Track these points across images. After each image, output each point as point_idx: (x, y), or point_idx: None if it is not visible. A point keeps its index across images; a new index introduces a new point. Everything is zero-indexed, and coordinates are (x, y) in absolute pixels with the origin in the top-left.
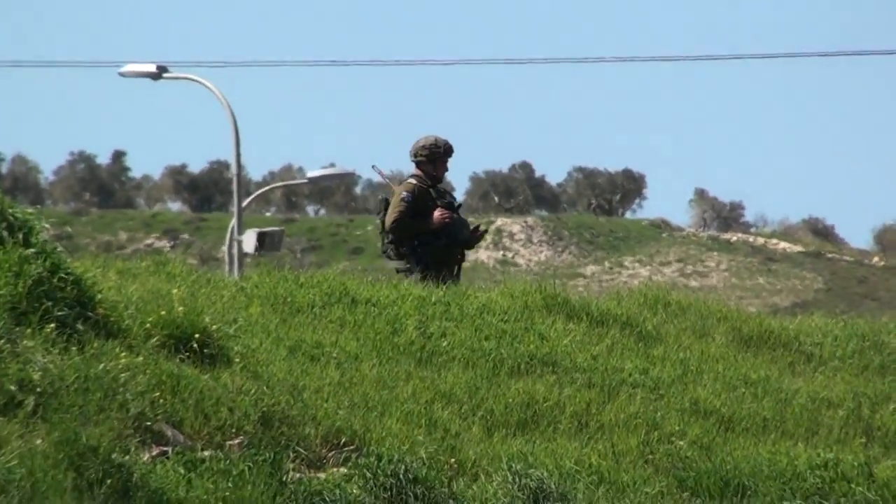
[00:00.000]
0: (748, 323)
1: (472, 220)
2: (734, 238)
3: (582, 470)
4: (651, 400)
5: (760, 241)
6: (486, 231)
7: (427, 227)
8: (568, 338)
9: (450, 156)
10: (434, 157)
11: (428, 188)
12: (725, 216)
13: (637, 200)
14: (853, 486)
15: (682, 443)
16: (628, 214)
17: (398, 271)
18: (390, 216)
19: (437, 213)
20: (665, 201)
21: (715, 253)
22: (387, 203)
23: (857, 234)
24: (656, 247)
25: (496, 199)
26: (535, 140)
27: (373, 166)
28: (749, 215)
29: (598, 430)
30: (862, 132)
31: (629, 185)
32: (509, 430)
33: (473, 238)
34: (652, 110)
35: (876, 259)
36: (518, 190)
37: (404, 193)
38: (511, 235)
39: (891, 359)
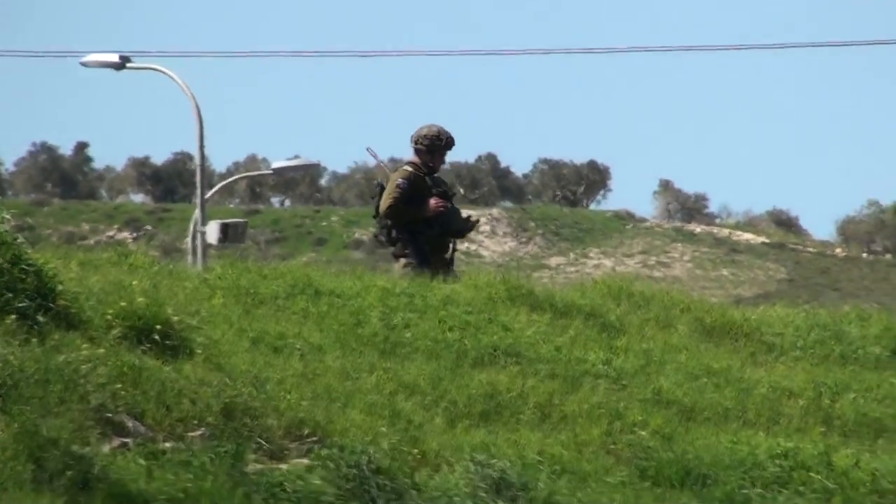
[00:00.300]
0: (711, 313)
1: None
2: (698, 229)
3: (544, 460)
4: (614, 390)
5: (724, 232)
6: (478, 222)
7: (421, 214)
8: (531, 329)
9: (450, 148)
10: (434, 147)
11: (423, 176)
12: (689, 207)
13: (602, 192)
14: (813, 474)
15: (643, 433)
16: (593, 206)
17: (395, 255)
18: (385, 201)
19: (432, 202)
20: (629, 193)
21: (679, 244)
22: (381, 187)
23: (821, 226)
24: (620, 238)
25: (461, 190)
26: (501, 131)
27: (367, 149)
28: (713, 206)
29: (561, 421)
30: (825, 124)
31: (594, 177)
32: (472, 421)
33: (466, 228)
34: (617, 102)
35: (838, 250)
36: (483, 181)
37: (400, 180)
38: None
39: (851, 349)
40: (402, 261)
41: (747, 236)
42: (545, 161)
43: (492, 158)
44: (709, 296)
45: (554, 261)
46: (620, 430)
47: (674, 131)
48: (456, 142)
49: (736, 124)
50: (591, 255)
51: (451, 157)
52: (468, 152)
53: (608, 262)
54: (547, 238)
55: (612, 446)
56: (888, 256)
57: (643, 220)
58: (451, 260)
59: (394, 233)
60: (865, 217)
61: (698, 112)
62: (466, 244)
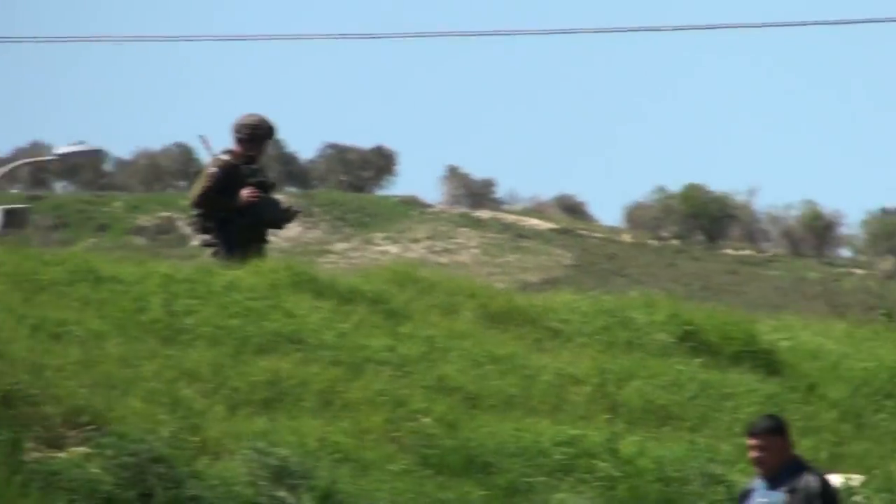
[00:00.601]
0: (496, 300)
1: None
2: (485, 215)
3: (325, 448)
4: (397, 377)
5: (511, 218)
6: (299, 212)
7: (233, 204)
8: (315, 315)
9: (270, 138)
10: (254, 137)
11: (239, 165)
12: (476, 193)
13: (388, 177)
14: (597, 462)
15: (427, 420)
16: (379, 191)
17: (205, 245)
18: (195, 189)
19: (244, 192)
20: (416, 179)
21: (465, 230)
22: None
23: (608, 212)
24: (407, 224)
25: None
26: (286, 117)
27: (200, 136)
28: (500, 192)
29: (344, 408)
30: (611, 109)
31: (381, 162)
32: (253, 408)
33: (283, 218)
34: (404, 87)
35: (626, 236)
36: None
37: (213, 169)
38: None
39: (637, 335)
40: (210, 250)
41: (534, 222)
42: (331, 146)
43: (276, 144)
44: (495, 282)
45: (339, 246)
46: (403, 418)
47: (461, 117)
48: (275, 131)
49: (522, 110)
50: (377, 240)
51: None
52: None
53: (394, 248)
54: (332, 223)
55: (395, 434)
56: (675, 242)
57: (430, 205)
58: (262, 251)
59: (206, 222)
60: (653, 203)
61: (485, 97)
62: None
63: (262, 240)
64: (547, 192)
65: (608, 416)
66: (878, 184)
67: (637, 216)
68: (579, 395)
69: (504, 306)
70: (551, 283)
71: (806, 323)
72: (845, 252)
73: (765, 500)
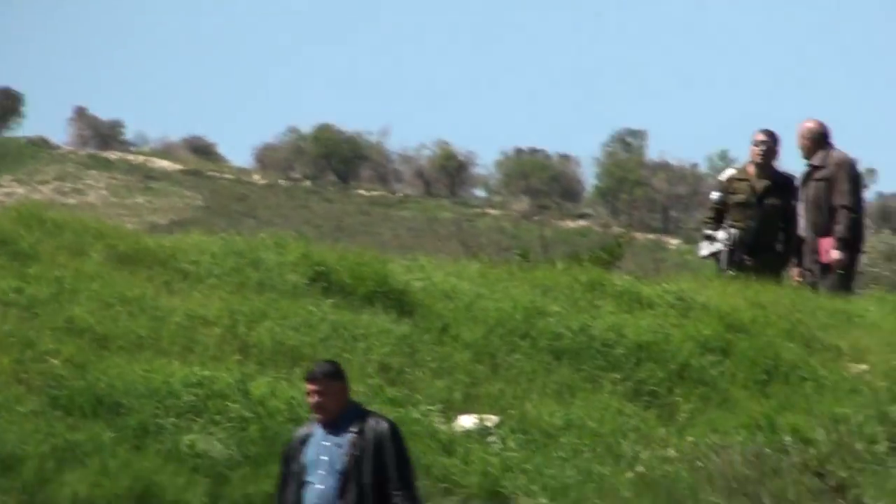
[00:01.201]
0: (125, 241)
1: None
2: (113, 156)
3: None
4: (25, 319)
5: (140, 159)
6: None
7: None
8: None
9: None
10: None
11: None
12: (105, 134)
13: (15, 119)
14: (229, 403)
15: (55, 361)
16: (6, 133)
17: None
18: None
19: None
20: (44, 120)
21: (94, 171)
22: None
23: (238, 153)
24: (34, 165)
25: None
26: None
27: None
28: (129, 134)
29: None
30: (241, 49)
31: (7, 104)
32: None
33: None
34: (30, 27)
35: (256, 177)
36: None
37: None
38: None
39: (268, 276)
40: None
41: (163, 164)
42: None
43: None
44: (124, 223)
45: None
46: (32, 359)
47: (88, 58)
48: None
49: (150, 50)
50: (4, 182)
51: None
52: None
53: (21, 190)
54: None
55: (23, 375)
56: (307, 183)
57: (57, 147)
58: None
59: None
60: (284, 144)
61: (111, 38)
62: None
63: None
64: (176, 133)
65: (239, 358)
66: (512, 124)
67: (268, 157)
68: (210, 337)
69: (133, 248)
70: (181, 225)
71: (439, 263)
72: (479, 192)
73: (328, 443)
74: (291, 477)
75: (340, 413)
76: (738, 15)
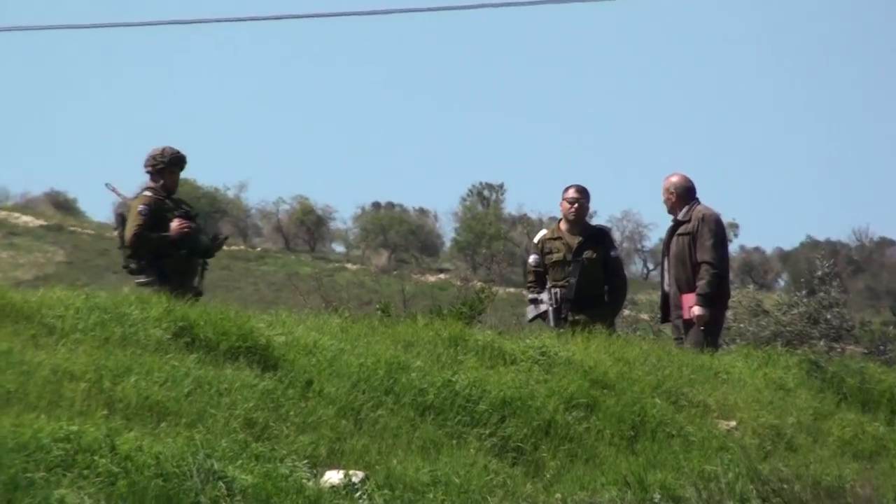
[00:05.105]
0: None
1: None
2: None
3: None
4: None
5: (2, 214)
6: (226, 238)
7: (167, 238)
8: None
9: (177, 166)
10: (159, 167)
11: (164, 199)
12: None
13: None
14: (97, 458)
15: None
16: None
17: (139, 285)
18: (129, 230)
19: (174, 224)
20: None
21: None
22: (123, 218)
23: (99, 208)
24: None
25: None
26: None
27: (106, 185)
28: None
29: None
30: (103, 100)
31: None
32: None
33: (214, 246)
34: None
35: (115, 232)
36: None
37: (141, 206)
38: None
39: (132, 330)
40: (147, 289)
41: (26, 218)
42: None
43: None
44: None
45: None
46: None
47: None
48: (184, 157)
49: (10, 103)
50: None
51: None
52: None
53: None
54: None
55: None
56: None
57: None
58: (201, 281)
59: (137, 262)
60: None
61: None
62: None
63: (197, 269)
64: (37, 188)
65: (105, 413)
66: (368, 178)
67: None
68: (76, 392)
69: None
70: (44, 280)
71: (301, 318)
72: (338, 247)
73: None
74: None
75: None
76: (595, 63)
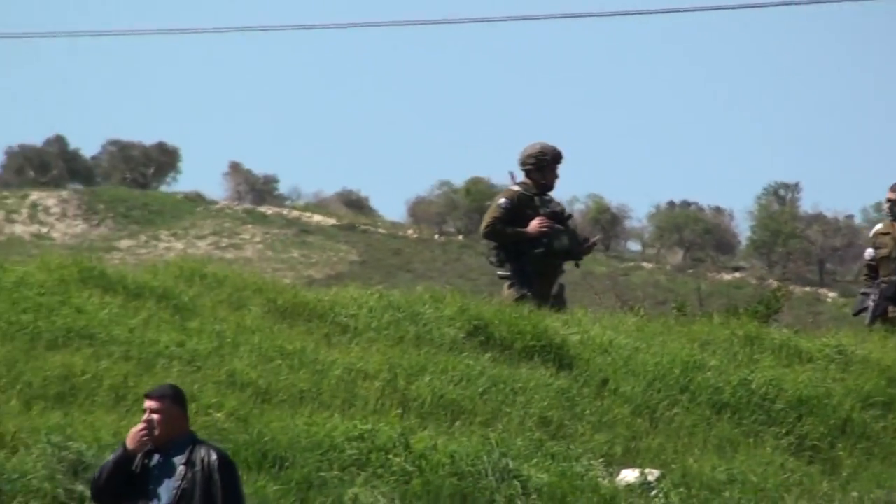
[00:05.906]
0: (283, 294)
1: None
2: (269, 211)
3: (120, 442)
4: (188, 372)
5: (295, 213)
6: (595, 244)
7: (523, 234)
8: (104, 311)
9: (558, 162)
10: (541, 164)
11: (533, 196)
12: (260, 189)
13: (171, 174)
14: (391, 456)
15: (219, 415)
16: (163, 188)
17: (500, 277)
18: (485, 222)
19: (534, 222)
20: (200, 174)
21: (250, 226)
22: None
23: (391, 206)
24: (191, 220)
25: (31, 172)
26: (68, 113)
27: (509, 172)
28: (283, 188)
29: (136, 402)
30: (391, 102)
31: (163, 159)
32: (48, 403)
33: (583, 250)
34: (184, 83)
35: (410, 231)
36: (52, 164)
37: (503, 200)
38: (46, 209)
39: (426, 329)
40: (507, 283)
41: (318, 218)
42: (114, 142)
43: (60, 140)
44: (281, 277)
45: (124, 243)
46: (196, 412)
47: (243, 112)
48: (560, 155)
49: (302, 105)
50: (162, 237)
51: (20, 139)
52: (36, 135)
53: (179, 244)
54: (117, 220)
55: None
56: (460, 237)
57: (214, 201)
58: (560, 287)
59: (502, 254)
60: (436, 198)
61: (265, 93)
62: (37, 226)
63: (557, 271)
64: (329, 187)
65: (399, 411)
66: (665, 177)
67: (421, 211)
68: (370, 390)
69: (292, 301)
70: (336, 279)
71: (596, 317)
72: (633, 245)
73: (158, 472)
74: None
75: (174, 438)
76: (887, 64)
